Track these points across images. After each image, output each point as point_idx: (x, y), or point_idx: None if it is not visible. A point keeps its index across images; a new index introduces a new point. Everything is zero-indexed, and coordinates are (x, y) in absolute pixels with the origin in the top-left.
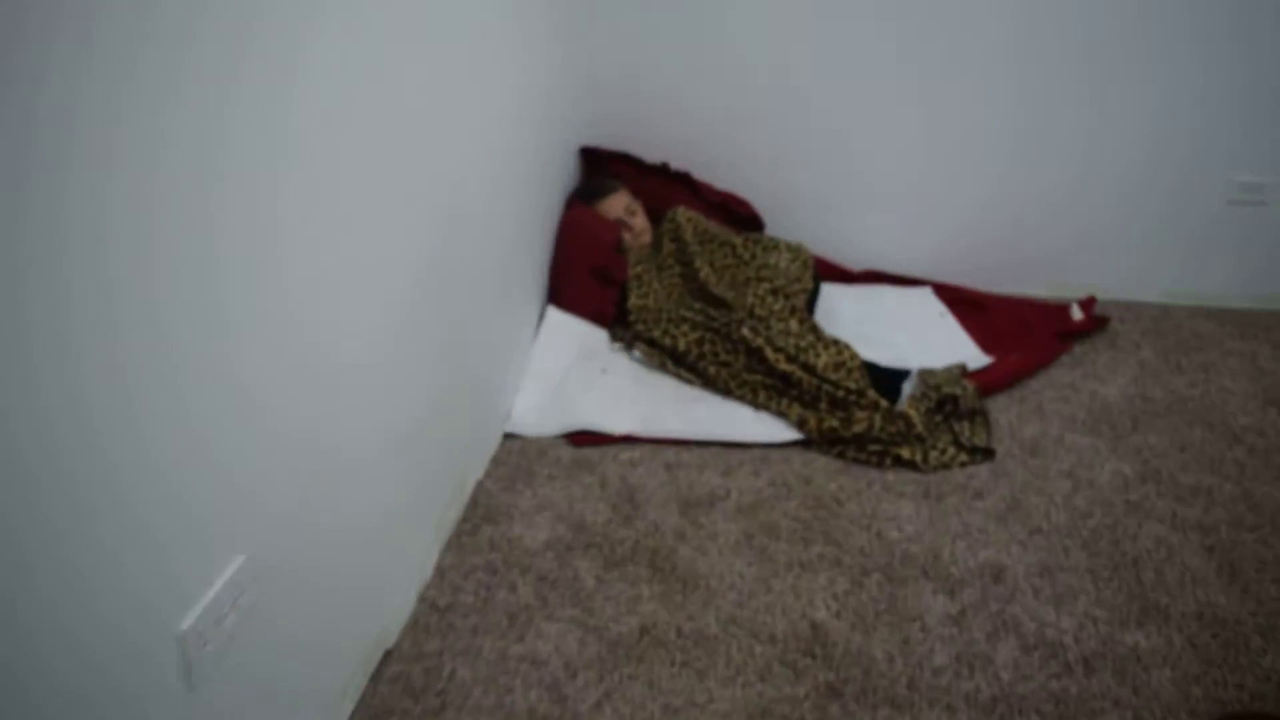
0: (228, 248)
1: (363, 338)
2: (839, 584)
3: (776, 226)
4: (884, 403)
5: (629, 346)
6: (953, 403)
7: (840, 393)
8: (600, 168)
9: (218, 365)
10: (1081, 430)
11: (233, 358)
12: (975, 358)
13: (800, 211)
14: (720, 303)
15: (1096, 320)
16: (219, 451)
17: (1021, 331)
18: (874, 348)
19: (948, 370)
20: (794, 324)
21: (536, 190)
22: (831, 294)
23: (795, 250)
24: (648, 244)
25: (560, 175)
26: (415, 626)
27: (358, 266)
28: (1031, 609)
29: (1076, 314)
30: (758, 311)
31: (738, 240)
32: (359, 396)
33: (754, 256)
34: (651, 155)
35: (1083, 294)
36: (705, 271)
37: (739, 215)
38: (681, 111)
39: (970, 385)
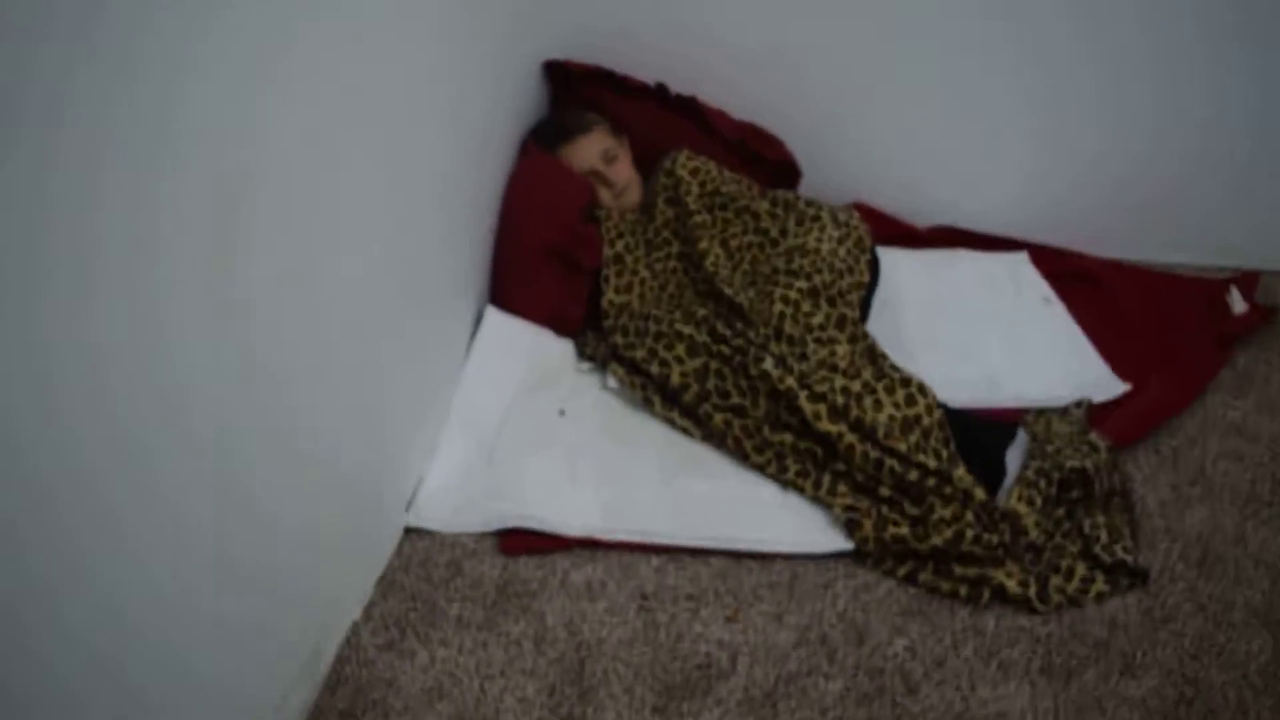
0: None
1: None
2: None
3: (813, 170)
4: (980, 491)
5: (602, 366)
6: (1082, 483)
7: (912, 473)
8: (572, 92)
9: None
10: (1272, 519)
11: None
12: (1101, 381)
13: (844, 144)
14: (734, 308)
15: (1263, 312)
16: None
17: (1164, 329)
18: (952, 362)
19: (1068, 418)
20: (841, 348)
21: (477, 127)
22: (891, 264)
23: (845, 224)
24: (635, 205)
25: (514, 103)
26: None
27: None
28: None
29: (1238, 304)
30: (788, 328)
31: (763, 205)
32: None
33: (785, 233)
34: (643, 72)
35: (1238, 263)
36: (714, 256)
37: (764, 160)
38: (683, 9)
39: (1103, 444)
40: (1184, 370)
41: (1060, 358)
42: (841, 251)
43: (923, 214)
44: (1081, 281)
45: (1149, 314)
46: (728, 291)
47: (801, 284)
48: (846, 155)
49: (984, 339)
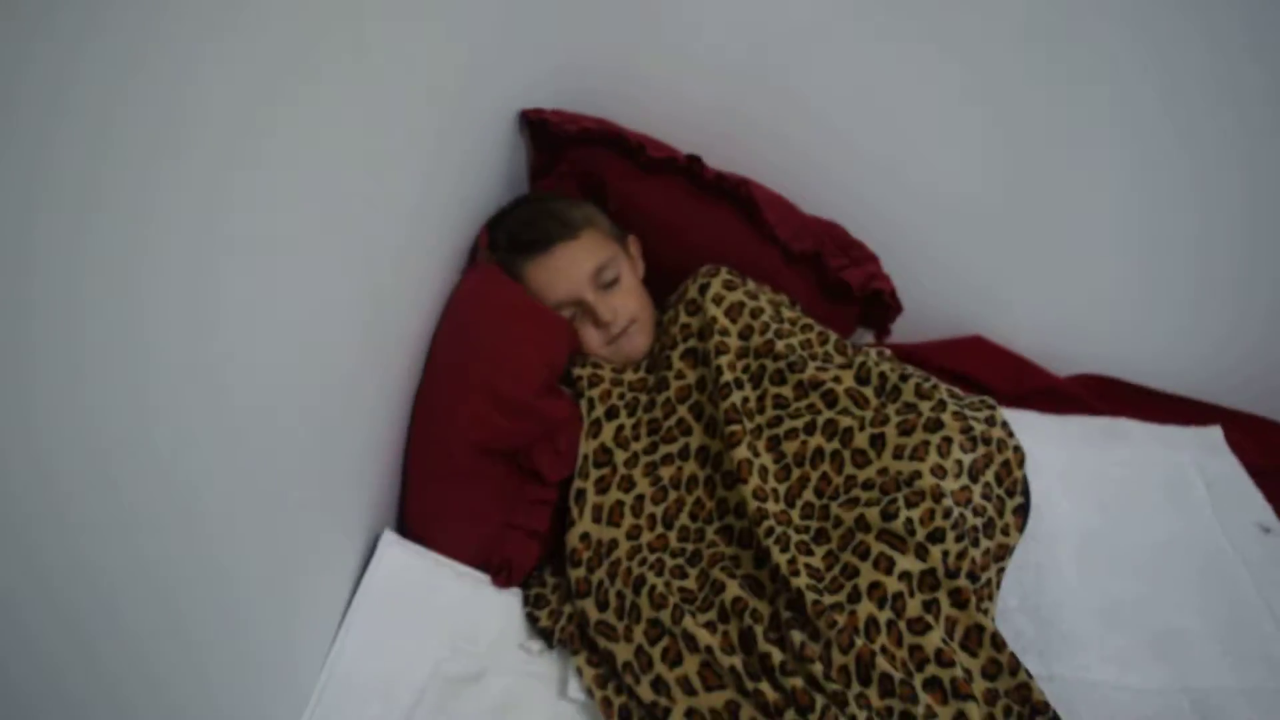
0: None
1: None
2: None
3: (915, 300)
4: None
5: (564, 648)
6: None
7: None
8: (559, 162)
9: None
10: None
11: None
12: None
13: (953, 261)
14: (781, 583)
15: None
16: None
17: None
18: (1136, 662)
19: None
20: (974, 708)
21: (404, 211)
22: (1026, 442)
23: (985, 438)
24: (639, 354)
25: (473, 180)
26: None
27: None
28: None
29: None
30: (883, 661)
31: (844, 381)
32: None
33: (881, 444)
34: (668, 139)
35: None
36: (758, 476)
37: (843, 289)
38: (717, 69)
39: None
40: None
41: None
42: (977, 493)
43: (1062, 357)
44: None
45: None
46: (779, 557)
47: (908, 563)
48: (955, 276)
49: (1178, 611)
